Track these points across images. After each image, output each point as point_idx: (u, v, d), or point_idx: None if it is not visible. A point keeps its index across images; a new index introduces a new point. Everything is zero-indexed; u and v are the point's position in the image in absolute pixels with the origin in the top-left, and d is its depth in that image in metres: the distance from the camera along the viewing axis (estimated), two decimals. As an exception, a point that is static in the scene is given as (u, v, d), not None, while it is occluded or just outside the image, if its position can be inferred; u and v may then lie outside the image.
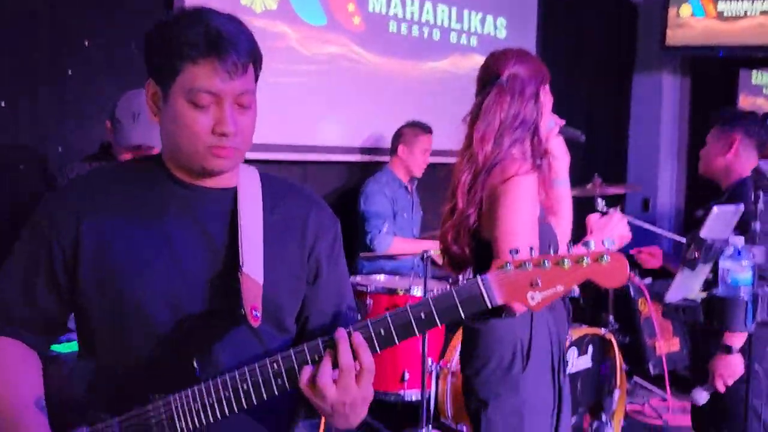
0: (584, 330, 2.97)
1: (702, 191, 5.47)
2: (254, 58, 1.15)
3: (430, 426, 2.97)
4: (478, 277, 1.06)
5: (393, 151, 3.64)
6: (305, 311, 1.27)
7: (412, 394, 3.09)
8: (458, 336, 3.16)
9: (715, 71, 6.05)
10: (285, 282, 1.22)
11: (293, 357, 1.10)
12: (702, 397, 2.25)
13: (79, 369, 1.22)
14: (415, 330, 1.08)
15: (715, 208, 1.61)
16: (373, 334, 1.09)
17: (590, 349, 2.99)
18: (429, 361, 3.08)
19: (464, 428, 3.00)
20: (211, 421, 1.12)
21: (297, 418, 1.28)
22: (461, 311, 1.07)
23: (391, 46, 3.97)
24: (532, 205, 1.70)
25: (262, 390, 1.11)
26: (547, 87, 1.85)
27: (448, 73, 4.28)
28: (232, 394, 1.11)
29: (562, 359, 1.83)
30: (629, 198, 5.69)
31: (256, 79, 1.18)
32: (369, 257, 3.37)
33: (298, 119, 3.56)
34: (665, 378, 3.78)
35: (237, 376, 1.11)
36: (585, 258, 1.03)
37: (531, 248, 1.07)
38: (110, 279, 1.16)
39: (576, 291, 3.13)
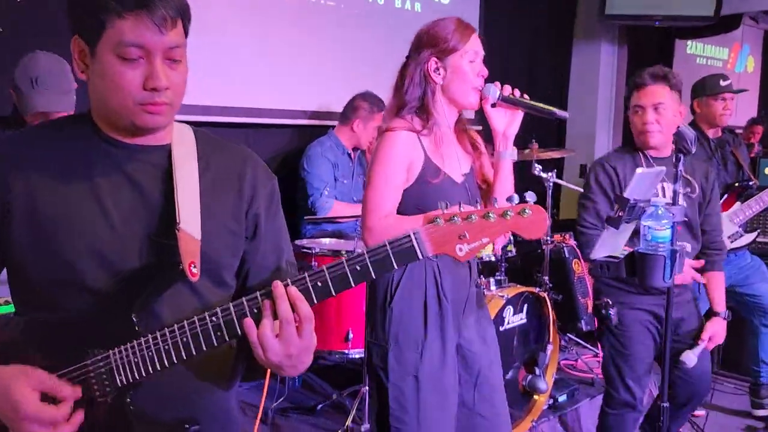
0: (519, 288, 3.08)
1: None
2: (183, 12, 1.15)
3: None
4: (411, 232, 1.12)
5: (345, 120, 3.65)
6: (245, 266, 1.30)
7: (357, 353, 3.16)
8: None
9: (651, 40, 6.23)
10: (223, 238, 1.25)
11: (232, 310, 1.14)
12: (690, 360, 2.46)
13: (14, 326, 1.23)
14: (351, 282, 1.13)
15: (639, 170, 1.71)
16: (310, 286, 1.14)
17: (525, 306, 3.12)
18: (372, 321, 3.16)
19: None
20: (151, 372, 1.15)
21: (237, 374, 1.33)
22: (394, 263, 1.12)
23: (336, 10, 3.95)
24: (395, 161, 1.89)
25: (202, 342, 1.14)
26: (466, 52, 1.95)
27: (392, 39, 4.29)
28: (171, 346, 1.14)
29: (441, 299, 1.96)
30: (567, 164, 5.85)
31: (186, 34, 1.18)
32: (312, 220, 3.40)
33: (241, 81, 3.53)
34: (594, 333, 3.98)
35: (176, 329, 1.15)
36: (509, 212, 1.11)
37: (459, 203, 1.14)
38: (43, 238, 1.16)
39: (513, 251, 3.24)
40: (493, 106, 1.97)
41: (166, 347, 1.14)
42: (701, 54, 7.28)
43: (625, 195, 1.73)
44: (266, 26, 3.68)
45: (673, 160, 1.76)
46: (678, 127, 1.85)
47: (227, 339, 1.15)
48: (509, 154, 1.99)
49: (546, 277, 3.60)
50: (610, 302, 2.43)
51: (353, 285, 1.13)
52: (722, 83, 3.51)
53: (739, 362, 3.93)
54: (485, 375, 2.06)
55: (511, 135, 1.99)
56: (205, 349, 1.15)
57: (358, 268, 1.12)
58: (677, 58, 6.75)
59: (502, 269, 3.22)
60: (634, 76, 2.60)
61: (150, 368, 1.15)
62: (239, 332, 1.14)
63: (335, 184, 3.56)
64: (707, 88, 3.54)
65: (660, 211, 1.71)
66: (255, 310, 1.14)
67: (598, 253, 1.78)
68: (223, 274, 1.27)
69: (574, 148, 5.10)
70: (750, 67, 8.00)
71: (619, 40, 5.99)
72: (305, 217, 3.35)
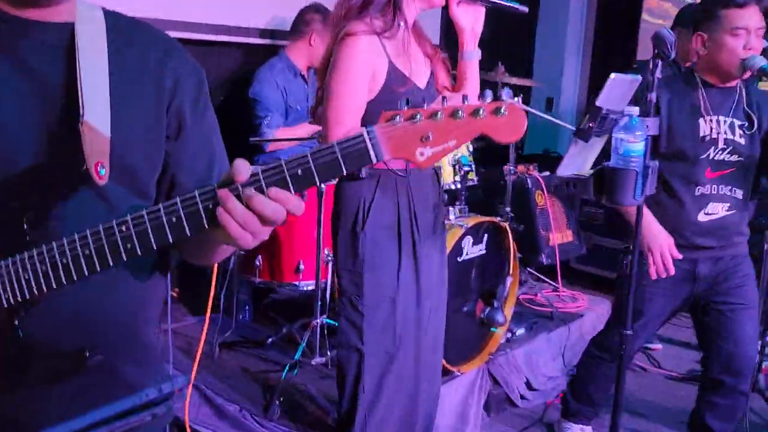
0: (480, 219, 2.95)
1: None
2: None
3: (325, 317, 2.92)
4: (364, 130, 0.92)
5: (297, 36, 3.37)
6: (170, 170, 1.09)
7: (308, 285, 3.02)
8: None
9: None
10: (139, 135, 1.04)
11: (146, 217, 0.93)
12: None
13: None
14: (291, 188, 0.93)
15: (613, 75, 1.54)
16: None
17: (485, 237, 2.99)
18: (325, 251, 3.00)
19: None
20: (44, 291, 0.95)
21: (151, 294, 1.14)
22: (343, 167, 0.92)
23: None
24: (356, 70, 1.75)
25: (108, 256, 0.94)
26: None
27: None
28: (70, 260, 0.94)
29: (415, 220, 1.92)
30: (534, 96, 5.69)
31: None
32: (258, 142, 3.19)
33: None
34: (557, 268, 3.91)
35: (77, 240, 0.94)
36: (481, 110, 0.91)
37: (424, 100, 0.96)
38: None
39: (475, 179, 3.09)
40: (458, 4, 1.79)
41: (64, 261, 0.94)
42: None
43: (597, 103, 1.56)
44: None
45: (652, 69, 1.59)
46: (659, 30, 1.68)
47: (139, 253, 0.95)
48: (476, 53, 1.91)
49: (508, 208, 3.48)
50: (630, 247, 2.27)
51: (293, 192, 0.93)
52: None
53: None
54: (431, 319, 2.03)
55: (477, 32, 1.89)
56: (111, 264, 0.95)
57: (300, 172, 0.92)
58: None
59: (463, 198, 3.07)
60: None
61: (43, 286, 0.95)
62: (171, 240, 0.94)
63: (287, 113, 3.31)
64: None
65: (634, 122, 1.55)
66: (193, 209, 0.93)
67: (565, 170, 1.63)
68: (141, 179, 1.06)
69: (541, 82, 4.94)
70: None
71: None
72: (251, 139, 3.12)
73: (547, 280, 4.04)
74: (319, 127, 2.93)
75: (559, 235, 3.85)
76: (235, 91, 3.46)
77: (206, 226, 0.93)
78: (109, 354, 1.04)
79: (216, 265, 2.58)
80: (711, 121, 2.20)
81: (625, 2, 6.17)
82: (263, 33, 3.62)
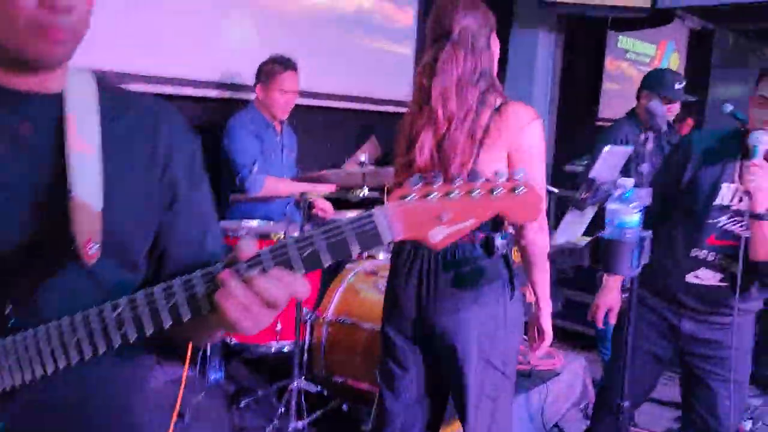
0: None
1: (569, 146, 5.71)
2: None
3: (302, 378, 2.83)
4: (376, 210, 0.89)
5: (262, 87, 3.33)
6: (161, 240, 1.04)
7: (285, 345, 2.94)
8: (336, 283, 3.03)
9: (586, 31, 6.24)
10: (132, 206, 0.99)
11: (142, 300, 0.88)
12: None
13: None
14: (297, 269, 0.89)
15: (607, 147, 1.56)
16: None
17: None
18: (304, 310, 2.94)
19: (339, 379, 2.90)
20: (25, 381, 0.89)
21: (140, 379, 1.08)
22: (354, 248, 0.88)
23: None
24: None
25: (99, 341, 0.88)
26: (494, 33, 1.89)
27: (329, 9, 4.05)
28: (59, 346, 0.88)
29: None
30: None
31: None
32: (237, 199, 3.11)
33: (159, 47, 3.18)
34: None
35: (63, 326, 0.89)
36: (498, 189, 0.89)
37: (438, 172, 0.93)
38: None
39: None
40: None
41: (52, 347, 0.89)
42: (631, 49, 7.40)
43: (591, 175, 1.57)
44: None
45: (644, 142, 1.62)
46: (650, 103, 1.72)
47: (131, 339, 0.89)
48: None
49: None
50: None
51: (301, 273, 0.89)
52: (677, 87, 3.40)
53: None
54: None
55: None
56: (100, 352, 0.89)
57: (308, 252, 0.88)
58: (609, 51, 6.82)
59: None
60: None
61: (28, 374, 0.89)
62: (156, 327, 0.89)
63: (263, 159, 3.24)
64: (663, 87, 3.40)
65: (628, 194, 1.56)
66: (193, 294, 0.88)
67: (559, 238, 1.63)
68: (132, 253, 1.01)
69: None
70: (674, 64, 8.20)
71: (558, 28, 5.96)
72: (231, 196, 3.05)
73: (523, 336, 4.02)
74: (308, 186, 2.91)
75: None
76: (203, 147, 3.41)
77: (206, 310, 0.88)
78: None
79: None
80: (733, 189, 2.08)
81: (590, 57, 6.44)
82: (221, 86, 3.59)
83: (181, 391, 2.47)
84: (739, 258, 1.93)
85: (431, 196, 0.89)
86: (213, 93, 3.55)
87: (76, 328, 0.89)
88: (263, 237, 2.91)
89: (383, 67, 4.51)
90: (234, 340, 2.96)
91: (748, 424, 3.37)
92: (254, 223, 3.12)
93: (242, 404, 2.96)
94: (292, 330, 2.84)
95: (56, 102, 0.96)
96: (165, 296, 0.88)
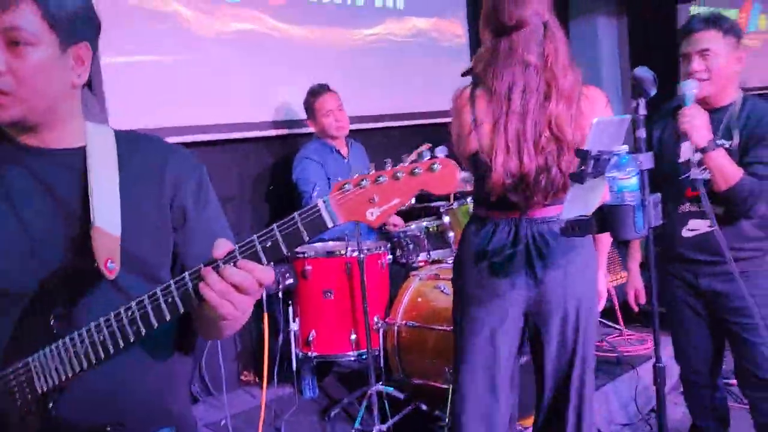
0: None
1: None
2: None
3: (381, 383, 2.98)
4: (319, 201, 1.07)
5: (311, 120, 3.61)
6: (179, 258, 1.26)
7: (364, 353, 3.10)
8: (403, 290, 3.17)
9: (651, 8, 6.04)
10: (146, 228, 1.21)
11: (147, 300, 1.09)
12: None
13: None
14: (264, 259, 1.07)
15: (595, 120, 1.61)
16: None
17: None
18: (375, 318, 3.10)
19: (417, 381, 3.02)
20: (70, 375, 1.11)
21: (173, 368, 1.27)
22: (305, 235, 1.06)
23: (312, 17, 3.92)
24: None
25: (119, 339, 1.10)
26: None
27: (381, 38, 4.23)
28: (89, 346, 1.10)
29: None
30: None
31: (53, 27, 1.11)
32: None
33: (225, 98, 3.51)
34: (617, 312, 3.83)
35: (92, 328, 1.10)
36: (416, 169, 1.04)
37: (373, 164, 1.09)
38: None
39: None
40: None
41: (84, 347, 1.11)
42: (709, 17, 7.01)
43: (585, 147, 1.63)
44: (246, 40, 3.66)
45: (635, 108, 1.65)
46: (634, 70, 1.75)
47: (143, 333, 1.09)
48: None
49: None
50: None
51: (266, 263, 1.07)
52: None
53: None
54: None
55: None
56: (122, 345, 1.10)
57: (269, 244, 1.06)
58: (681, 24, 6.50)
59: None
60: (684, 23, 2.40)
61: (69, 371, 1.11)
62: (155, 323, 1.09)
63: (329, 183, 3.49)
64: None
65: (624, 160, 1.60)
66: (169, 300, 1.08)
67: (568, 213, 1.69)
68: (151, 267, 1.22)
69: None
70: (763, 25, 7.67)
71: (617, 11, 5.83)
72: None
73: (610, 323, 3.96)
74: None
75: (614, 277, 3.81)
76: (279, 178, 3.70)
77: (197, 303, 1.07)
78: (135, 424, 1.18)
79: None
80: (689, 144, 2.25)
81: (659, 34, 6.19)
82: (283, 124, 3.85)
83: (263, 402, 2.68)
84: (701, 194, 2.13)
85: (364, 182, 1.05)
86: (281, 132, 3.83)
87: (101, 329, 1.11)
88: (328, 255, 3.13)
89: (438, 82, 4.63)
90: (315, 354, 3.16)
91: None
92: (319, 244, 3.32)
93: (332, 414, 3.13)
94: (365, 340, 3.00)
95: (79, 154, 1.20)
96: (164, 294, 1.09)
